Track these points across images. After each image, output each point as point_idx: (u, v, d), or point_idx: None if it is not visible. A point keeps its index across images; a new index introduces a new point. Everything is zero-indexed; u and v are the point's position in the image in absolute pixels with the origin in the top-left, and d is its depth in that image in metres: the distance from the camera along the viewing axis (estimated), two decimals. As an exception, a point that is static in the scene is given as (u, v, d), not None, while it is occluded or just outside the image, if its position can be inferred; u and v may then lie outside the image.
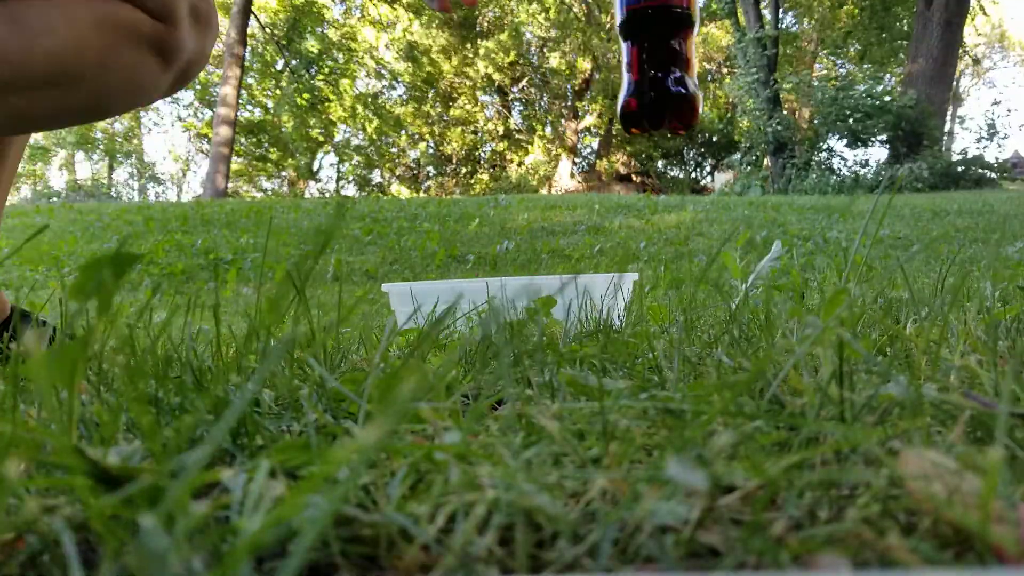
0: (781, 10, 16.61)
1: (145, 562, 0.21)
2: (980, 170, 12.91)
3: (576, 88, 23.02)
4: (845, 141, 13.75)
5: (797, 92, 14.50)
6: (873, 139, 13.36)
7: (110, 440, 0.38)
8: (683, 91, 0.94)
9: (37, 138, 22.89)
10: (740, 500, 0.32)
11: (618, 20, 0.94)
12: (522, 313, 0.81)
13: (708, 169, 23.12)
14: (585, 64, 22.22)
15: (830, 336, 0.44)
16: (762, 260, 1.22)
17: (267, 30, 20.92)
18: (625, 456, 0.37)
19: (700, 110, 0.94)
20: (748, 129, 15.11)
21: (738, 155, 15.63)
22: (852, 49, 20.14)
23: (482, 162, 24.91)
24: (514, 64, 22.62)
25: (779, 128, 14.03)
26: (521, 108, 24.71)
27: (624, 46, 0.96)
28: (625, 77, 0.96)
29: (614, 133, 22.90)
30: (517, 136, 24.18)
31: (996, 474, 0.26)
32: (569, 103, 23.43)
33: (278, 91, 22.69)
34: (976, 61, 24.50)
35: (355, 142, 24.92)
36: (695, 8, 0.94)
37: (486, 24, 22.43)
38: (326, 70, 22.74)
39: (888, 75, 20.04)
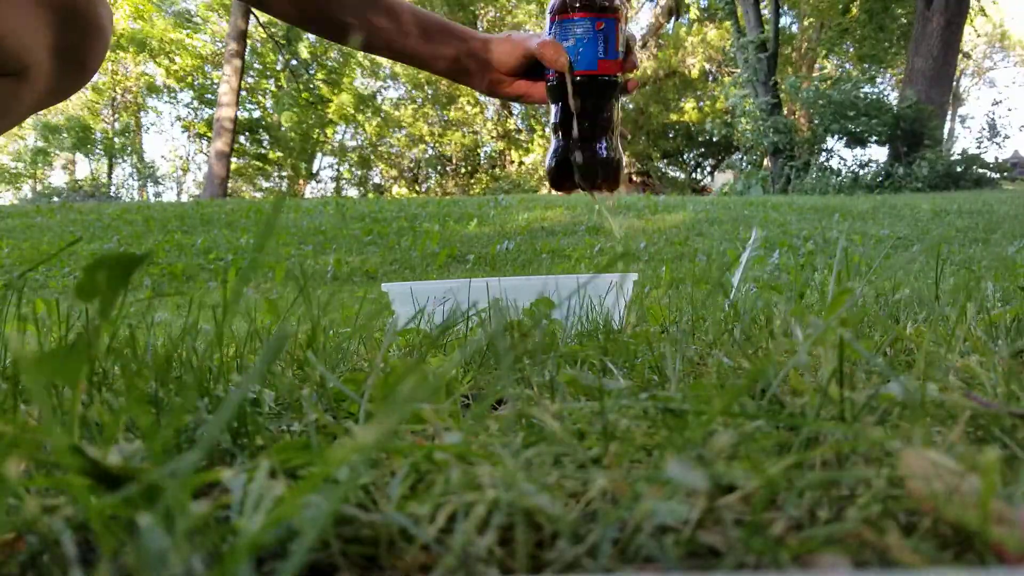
0: (781, 11, 16.59)
1: (144, 562, 0.21)
2: (980, 170, 12.89)
3: (576, 88, 22.95)
4: (844, 141, 13.74)
5: (791, 95, 14.47)
6: (872, 139, 13.34)
7: (110, 440, 0.38)
8: (612, 155, 0.97)
9: (37, 140, 22.94)
10: (740, 500, 0.32)
11: (547, 83, 0.95)
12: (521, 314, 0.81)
13: (708, 169, 23.11)
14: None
15: (831, 336, 0.44)
16: (743, 253, 1.23)
17: (266, 29, 20.89)
18: (625, 456, 0.37)
19: (623, 171, 0.98)
20: (748, 130, 15.10)
21: (738, 155, 15.62)
22: (852, 49, 20.12)
23: (482, 162, 24.90)
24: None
25: (778, 129, 14.02)
26: (521, 108, 24.68)
27: (553, 108, 0.97)
28: (553, 139, 0.97)
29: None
30: (517, 136, 24.17)
31: (994, 473, 0.26)
32: (569, 103, 23.35)
33: (277, 90, 22.69)
34: (967, 56, 24.42)
35: (354, 143, 24.94)
36: (628, 66, 0.95)
37: (486, 24, 22.44)
38: (325, 70, 22.74)
39: (889, 75, 20.03)
